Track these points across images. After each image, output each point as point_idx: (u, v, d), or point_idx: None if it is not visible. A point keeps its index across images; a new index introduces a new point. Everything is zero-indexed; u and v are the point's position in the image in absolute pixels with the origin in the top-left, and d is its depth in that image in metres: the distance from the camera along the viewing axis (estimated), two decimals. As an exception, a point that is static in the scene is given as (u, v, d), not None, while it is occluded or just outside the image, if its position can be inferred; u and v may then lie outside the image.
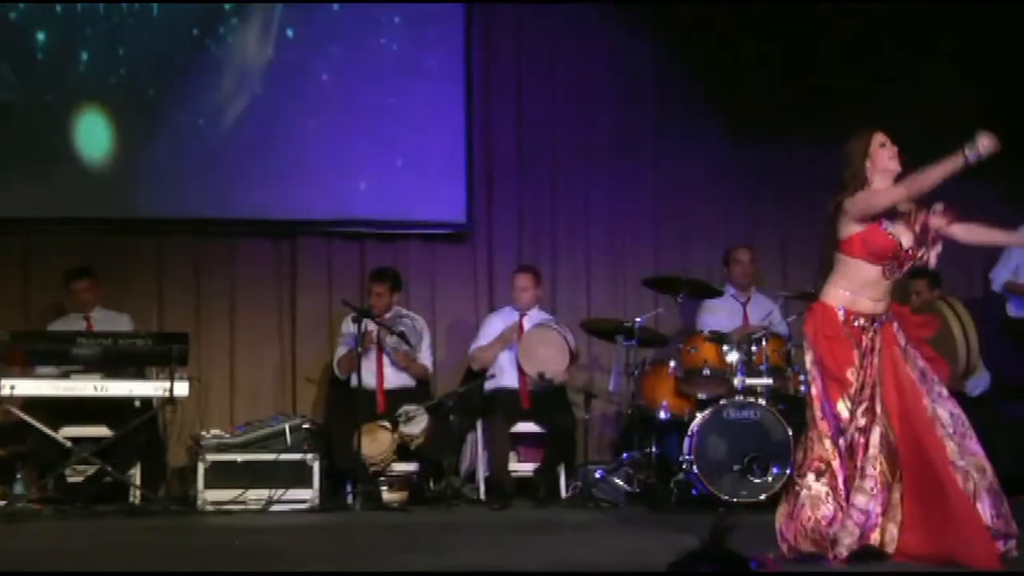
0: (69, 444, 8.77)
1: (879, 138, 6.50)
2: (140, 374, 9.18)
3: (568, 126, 10.89)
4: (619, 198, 10.94)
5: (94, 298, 9.65)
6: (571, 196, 10.91)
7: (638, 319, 9.54)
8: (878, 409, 6.31)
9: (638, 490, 9.32)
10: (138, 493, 8.98)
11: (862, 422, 6.30)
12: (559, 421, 9.60)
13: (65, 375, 9.03)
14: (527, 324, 9.84)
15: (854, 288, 6.41)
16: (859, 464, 6.27)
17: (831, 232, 6.46)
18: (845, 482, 6.30)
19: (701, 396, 9.23)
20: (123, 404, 9.00)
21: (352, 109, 10.47)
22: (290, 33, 10.42)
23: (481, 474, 9.61)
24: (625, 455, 9.50)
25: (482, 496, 9.51)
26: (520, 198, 10.84)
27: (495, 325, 9.93)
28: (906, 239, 6.41)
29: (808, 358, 6.54)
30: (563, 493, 9.54)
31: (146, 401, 9.06)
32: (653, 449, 9.31)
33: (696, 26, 10.86)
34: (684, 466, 8.96)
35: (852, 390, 6.33)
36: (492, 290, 10.71)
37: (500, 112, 10.78)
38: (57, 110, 10.09)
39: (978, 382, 9.47)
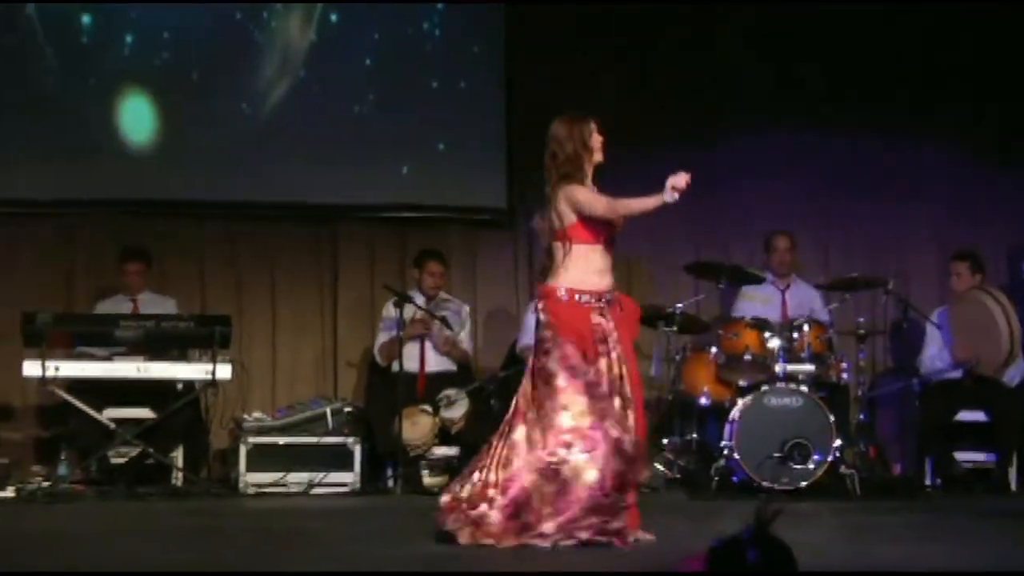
0: (112, 426, 8.82)
1: (594, 126, 6.60)
2: (183, 357, 9.23)
3: (605, 110, 10.81)
4: (659, 183, 10.86)
5: (143, 282, 9.68)
6: (612, 181, 10.82)
7: (678, 305, 9.53)
8: None
9: (678, 476, 9.32)
10: (180, 475, 9.03)
11: None
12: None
13: (109, 357, 9.10)
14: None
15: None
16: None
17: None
18: None
19: (742, 383, 9.20)
20: (166, 387, 9.06)
21: (394, 94, 10.49)
22: (333, 17, 10.44)
23: (521, 459, 9.60)
24: (665, 441, 9.49)
25: (522, 480, 9.50)
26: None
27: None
28: None
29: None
30: (602, 478, 9.53)
31: (188, 384, 9.12)
32: (693, 435, 9.32)
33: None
34: (725, 452, 8.94)
35: None
36: (533, 275, 10.70)
37: (541, 97, 10.74)
38: (100, 93, 10.14)
39: (1016, 372, 9.41)
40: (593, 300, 6.46)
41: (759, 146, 10.76)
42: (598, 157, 6.58)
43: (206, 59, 10.29)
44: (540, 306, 6.54)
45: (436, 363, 9.70)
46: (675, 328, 9.47)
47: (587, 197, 6.48)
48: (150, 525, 7.38)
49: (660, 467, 9.32)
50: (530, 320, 9.87)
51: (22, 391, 9.72)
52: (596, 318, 6.45)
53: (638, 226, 10.66)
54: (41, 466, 9.27)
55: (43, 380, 8.70)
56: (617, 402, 6.37)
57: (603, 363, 6.40)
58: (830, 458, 8.79)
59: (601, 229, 6.52)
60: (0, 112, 10.04)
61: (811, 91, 10.82)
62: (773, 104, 10.80)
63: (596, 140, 6.57)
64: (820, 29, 10.73)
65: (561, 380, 6.33)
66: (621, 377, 6.42)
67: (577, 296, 6.44)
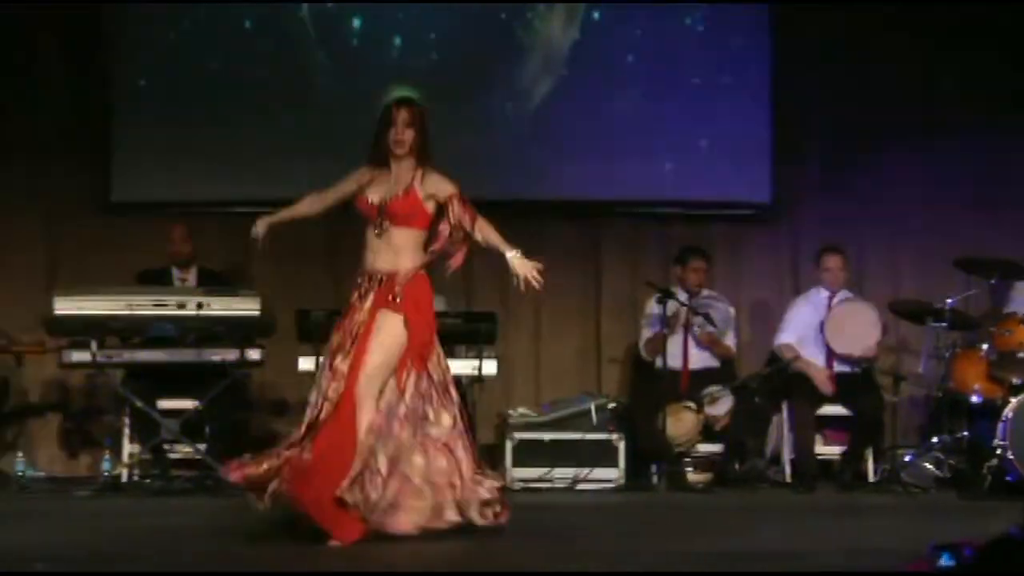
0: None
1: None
2: (450, 353, 9.36)
3: (876, 105, 10.67)
4: (928, 177, 10.67)
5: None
6: (878, 176, 10.68)
7: (948, 300, 9.32)
8: None
9: (948, 475, 9.13)
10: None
11: None
12: (866, 404, 9.45)
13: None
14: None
15: None
16: None
17: None
18: None
19: (1015, 380, 8.95)
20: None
21: (657, 90, 10.49)
22: (596, 15, 10.48)
23: (786, 456, 9.54)
24: (935, 439, 9.30)
25: (787, 479, 9.44)
26: (826, 178, 10.68)
27: (802, 311, 9.79)
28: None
29: None
30: (870, 477, 9.40)
31: (455, 380, 9.22)
32: (964, 433, 9.12)
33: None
34: (998, 452, 8.72)
35: None
36: (797, 271, 10.59)
37: (806, 92, 10.63)
38: (369, 94, 10.34)
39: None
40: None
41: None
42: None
43: (471, 59, 10.44)
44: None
45: (700, 360, 9.66)
46: (944, 324, 9.27)
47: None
48: None
49: (929, 466, 9.15)
50: (790, 315, 9.80)
51: (297, 386, 9.97)
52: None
53: (906, 219, 10.58)
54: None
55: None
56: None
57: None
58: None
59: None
60: (275, 113, 10.32)
61: None
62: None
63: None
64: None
65: None
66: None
67: None
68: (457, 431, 6.51)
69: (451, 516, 6.39)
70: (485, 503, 6.45)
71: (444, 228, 6.55)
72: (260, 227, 6.78)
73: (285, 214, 6.85)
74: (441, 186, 6.55)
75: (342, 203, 6.82)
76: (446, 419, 6.50)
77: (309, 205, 6.88)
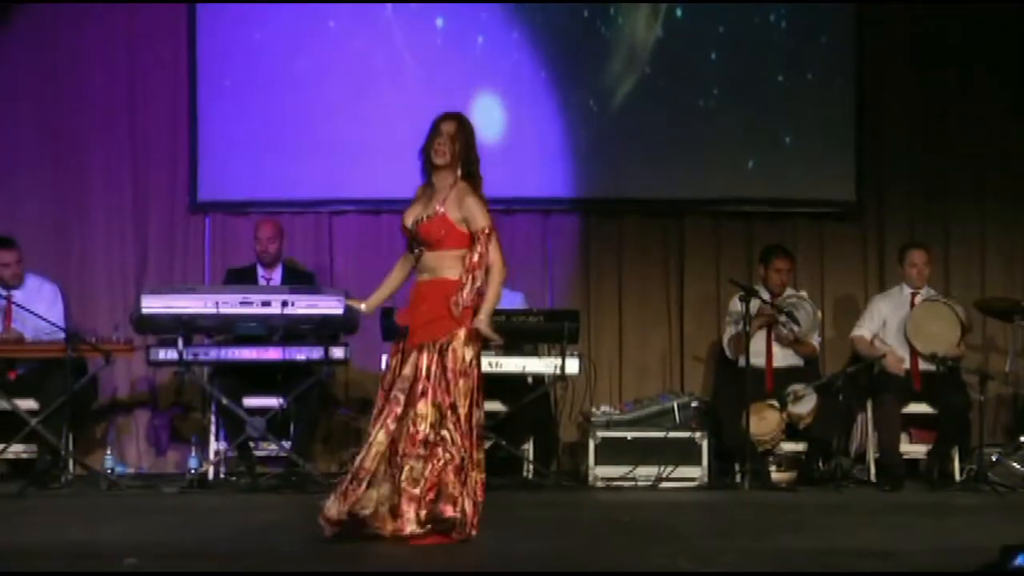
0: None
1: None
2: (534, 351, 9.40)
3: (961, 98, 10.58)
4: (1015, 171, 10.58)
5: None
6: (963, 171, 10.61)
7: (1034, 299, 9.25)
8: None
9: (1035, 475, 9.06)
10: (531, 467, 9.20)
11: None
12: (952, 402, 9.36)
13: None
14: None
15: None
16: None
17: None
18: None
19: (1104, 379, 8.88)
20: (517, 380, 9.23)
21: (740, 87, 10.47)
22: (679, 12, 10.47)
23: (871, 455, 9.48)
24: (1022, 438, 9.21)
25: (872, 477, 9.38)
26: (911, 174, 10.61)
27: (881, 307, 9.74)
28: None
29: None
30: (957, 476, 9.32)
31: (538, 378, 9.27)
32: (1051, 433, 9.05)
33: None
34: (1086, 451, 8.64)
35: None
36: (881, 268, 10.53)
37: (890, 88, 10.57)
38: (453, 94, 10.38)
39: None
40: None
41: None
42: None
43: (554, 57, 10.45)
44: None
45: (783, 358, 9.62)
46: (1031, 322, 9.20)
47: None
48: (506, 515, 7.37)
49: (1017, 465, 9.08)
50: (869, 311, 9.74)
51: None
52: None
53: (993, 216, 10.49)
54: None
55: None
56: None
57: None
58: None
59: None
60: (359, 112, 10.38)
61: None
62: None
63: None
64: None
65: None
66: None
67: None
68: None
69: None
70: None
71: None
72: (366, 307, 6.79)
73: (385, 290, 6.80)
74: (475, 214, 6.47)
75: None
76: None
77: (402, 267, 6.78)
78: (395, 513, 6.22)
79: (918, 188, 10.59)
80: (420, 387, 6.32)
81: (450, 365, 6.34)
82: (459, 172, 6.52)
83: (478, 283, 6.40)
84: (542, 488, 8.94)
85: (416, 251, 6.53)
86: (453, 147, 6.50)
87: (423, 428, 6.28)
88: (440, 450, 6.27)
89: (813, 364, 9.78)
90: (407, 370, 6.38)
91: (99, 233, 10.40)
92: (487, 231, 6.44)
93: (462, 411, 6.34)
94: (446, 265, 6.44)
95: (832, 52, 10.48)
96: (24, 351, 9.17)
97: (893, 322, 9.59)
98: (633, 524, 7.30)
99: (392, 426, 6.33)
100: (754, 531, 7.06)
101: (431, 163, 6.55)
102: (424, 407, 6.29)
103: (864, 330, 9.68)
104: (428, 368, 6.33)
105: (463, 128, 6.57)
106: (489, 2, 10.45)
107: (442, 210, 6.45)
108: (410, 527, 6.19)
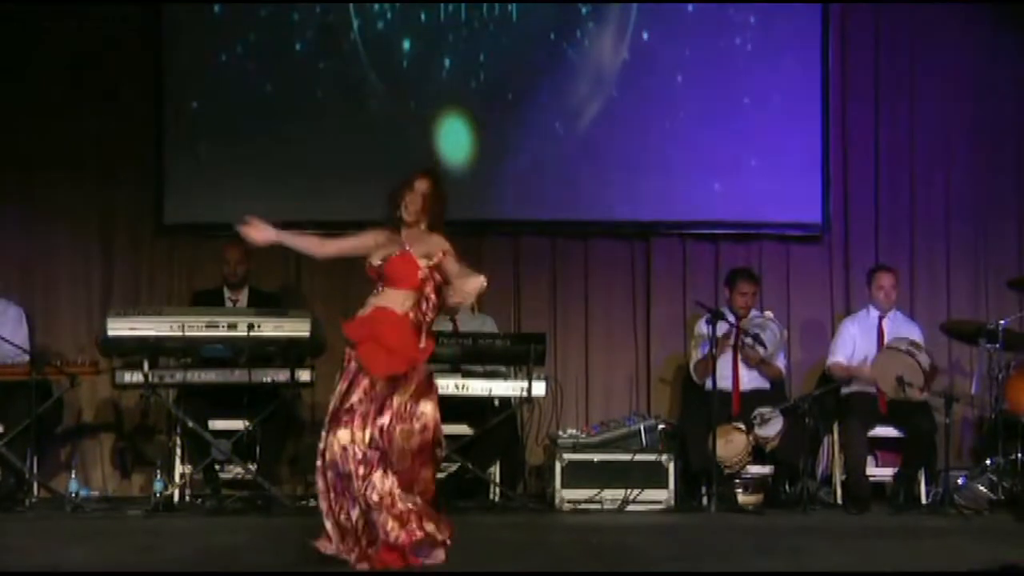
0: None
1: None
2: (498, 374, 9.38)
3: (927, 124, 10.64)
4: (980, 198, 10.65)
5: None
6: (929, 195, 10.66)
7: (1002, 321, 9.27)
8: None
9: (1002, 497, 9.06)
10: (497, 490, 9.18)
11: None
12: (918, 425, 9.38)
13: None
14: (887, 327, 9.66)
15: None
16: None
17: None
18: None
19: (1070, 402, 8.90)
20: (483, 403, 9.22)
21: (706, 110, 10.48)
22: (645, 36, 10.49)
23: (838, 478, 9.50)
24: (989, 461, 9.24)
25: (839, 500, 9.41)
26: (876, 198, 10.65)
27: (851, 332, 9.76)
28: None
29: None
30: (923, 499, 9.35)
31: (504, 400, 9.26)
32: (1019, 455, 9.05)
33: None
34: (1053, 474, 8.67)
35: None
36: (848, 291, 10.56)
37: (856, 112, 10.61)
38: (420, 116, 10.40)
39: None
40: None
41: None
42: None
43: (521, 80, 10.46)
44: None
45: (750, 381, 9.63)
46: (998, 345, 9.21)
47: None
48: (473, 538, 7.32)
49: (983, 488, 9.09)
50: (840, 337, 9.77)
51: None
52: None
53: (958, 239, 10.54)
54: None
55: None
56: None
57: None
58: None
59: None
60: (326, 134, 10.37)
61: None
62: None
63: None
64: None
65: None
66: None
67: None
68: None
69: None
70: None
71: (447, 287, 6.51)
72: (266, 233, 6.63)
73: (288, 240, 6.76)
74: (434, 243, 6.51)
75: (345, 256, 6.83)
76: None
77: (317, 247, 6.82)
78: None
79: (883, 209, 10.62)
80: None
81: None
82: (423, 226, 6.55)
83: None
84: (508, 511, 8.92)
85: (376, 290, 6.52)
86: (424, 205, 6.52)
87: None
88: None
89: (780, 387, 9.79)
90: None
91: (64, 255, 10.35)
92: (449, 251, 6.45)
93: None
94: (398, 302, 6.42)
95: (798, 77, 10.50)
96: (-12, 374, 9.11)
97: (862, 345, 9.62)
98: (600, 547, 7.28)
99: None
100: (721, 554, 7.06)
101: (399, 216, 6.55)
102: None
103: (839, 356, 9.71)
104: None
105: (436, 188, 6.62)
106: (455, 26, 10.44)
107: (410, 250, 6.45)
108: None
